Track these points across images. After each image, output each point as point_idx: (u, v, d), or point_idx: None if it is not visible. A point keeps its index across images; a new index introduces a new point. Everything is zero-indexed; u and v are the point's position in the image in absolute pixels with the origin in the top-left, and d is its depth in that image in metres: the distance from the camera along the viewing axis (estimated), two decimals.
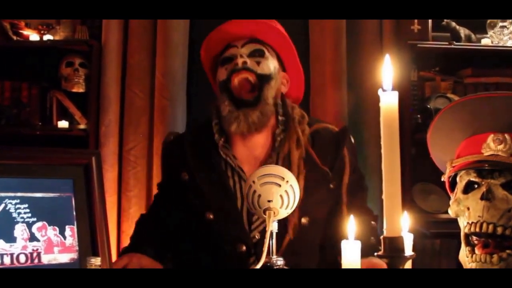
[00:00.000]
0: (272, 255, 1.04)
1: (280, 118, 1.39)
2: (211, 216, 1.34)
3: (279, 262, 1.03)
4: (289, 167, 1.31)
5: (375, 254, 0.72)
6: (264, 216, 1.07)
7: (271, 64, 1.39)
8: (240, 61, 1.36)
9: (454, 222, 1.06)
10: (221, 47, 1.43)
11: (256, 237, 1.33)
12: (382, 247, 0.70)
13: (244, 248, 1.31)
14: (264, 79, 1.36)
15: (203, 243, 1.38)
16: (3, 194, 1.38)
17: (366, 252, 1.02)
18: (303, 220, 1.34)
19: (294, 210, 1.09)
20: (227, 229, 1.33)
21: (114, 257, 1.66)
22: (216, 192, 1.36)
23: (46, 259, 1.43)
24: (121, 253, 1.42)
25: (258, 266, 1.01)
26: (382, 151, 0.71)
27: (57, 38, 2.34)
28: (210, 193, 1.36)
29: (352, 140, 1.50)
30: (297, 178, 1.15)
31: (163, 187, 1.54)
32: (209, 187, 1.37)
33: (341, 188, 1.39)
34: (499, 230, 0.95)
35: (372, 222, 1.42)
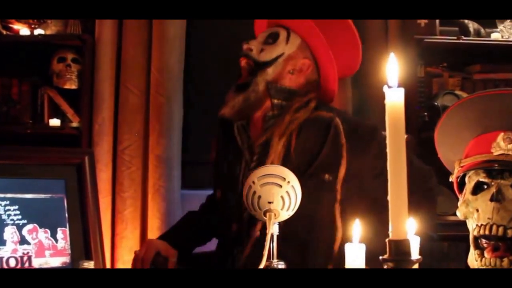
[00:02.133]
0: (272, 259, 1.02)
1: (275, 101, 1.44)
2: (219, 194, 1.48)
3: (280, 266, 1.02)
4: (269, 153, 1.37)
5: (380, 257, 0.69)
6: (265, 218, 1.06)
7: (275, 51, 1.46)
8: (245, 47, 1.48)
9: (462, 224, 1.05)
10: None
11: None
12: (387, 251, 0.68)
13: (235, 227, 1.38)
14: (260, 66, 1.45)
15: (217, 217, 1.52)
16: None
17: None
18: None
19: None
20: (228, 209, 1.43)
21: (108, 261, 1.64)
22: (225, 172, 1.47)
23: (37, 263, 1.40)
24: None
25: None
26: (388, 150, 0.68)
27: (48, 32, 2.30)
28: (221, 173, 1.49)
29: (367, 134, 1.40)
30: None
31: None
32: (223, 166, 1.48)
33: (336, 183, 1.34)
34: (510, 232, 0.94)
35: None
